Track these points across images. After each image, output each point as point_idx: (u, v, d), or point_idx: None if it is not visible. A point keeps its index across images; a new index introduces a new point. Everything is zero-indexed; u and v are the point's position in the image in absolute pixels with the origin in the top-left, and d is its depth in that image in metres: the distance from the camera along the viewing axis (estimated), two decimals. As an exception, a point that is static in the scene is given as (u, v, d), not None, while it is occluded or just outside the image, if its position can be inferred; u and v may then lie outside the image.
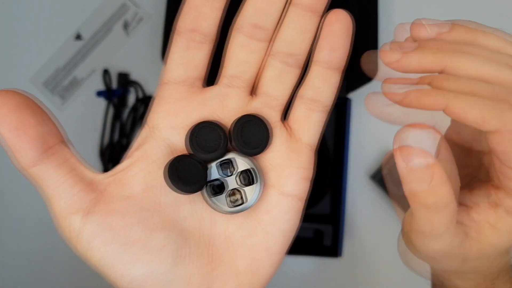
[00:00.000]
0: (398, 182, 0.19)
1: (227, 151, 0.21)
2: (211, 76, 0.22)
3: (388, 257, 0.57)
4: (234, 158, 0.21)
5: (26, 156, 0.18)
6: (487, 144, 0.19)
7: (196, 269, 0.20)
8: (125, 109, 0.57)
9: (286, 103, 0.22)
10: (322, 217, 0.55)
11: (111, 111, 0.56)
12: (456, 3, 0.58)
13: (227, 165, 0.21)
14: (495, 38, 0.19)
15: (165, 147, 0.21)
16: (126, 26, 0.57)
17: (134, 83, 0.56)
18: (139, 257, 0.19)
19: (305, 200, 0.22)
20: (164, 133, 0.21)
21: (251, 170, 0.21)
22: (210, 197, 0.21)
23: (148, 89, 0.56)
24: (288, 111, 0.22)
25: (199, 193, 0.21)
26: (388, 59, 0.20)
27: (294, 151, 0.22)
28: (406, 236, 0.24)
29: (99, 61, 0.57)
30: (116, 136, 0.56)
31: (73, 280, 0.56)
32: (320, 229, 0.54)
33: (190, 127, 0.21)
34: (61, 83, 0.57)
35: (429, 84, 0.19)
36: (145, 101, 0.56)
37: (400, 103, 0.20)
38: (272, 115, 0.22)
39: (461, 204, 0.21)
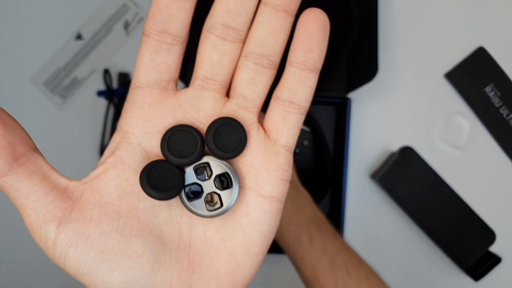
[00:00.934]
0: None
1: (203, 155, 0.21)
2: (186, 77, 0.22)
3: (388, 257, 0.57)
4: (210, 162, 0.21)
5: None
6: None
7: (176, 273, 0.20)
8: (126, 109, 0.57)
9: (261, 104, 0.22)
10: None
11: (111, 111, 0.56)
12: (456, 3, 0.58)
13: (203, 169, 0.21)
14: None
15: (140, 152, 0.21)
16: (126, 26, 0.57)
17: (135, 83, 0.56)
18: (117, 264, 0.19)
19: (283, 201, 0.22)
20: (137, 138, 0.21)
21: (227, 173, 0.21)
22: (187, 201, 0.20)
23: (149, 89, 0.56)
24: (266, 113, 0.22)
25: (177, 197, 0.21)
26: None
27: (272, 153, 0.21)
28: None
29: (99, 61, 0.57)
30: (117, 135, 0.56)
31: (73, 280, 0.56)
32: (320, 229, 0.54)
33: (164, 131, 0.20)
34: (62, 83, 0.57)
35: None
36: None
37: None
38: (248, 117, 0.21)
39: None
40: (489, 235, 0.55)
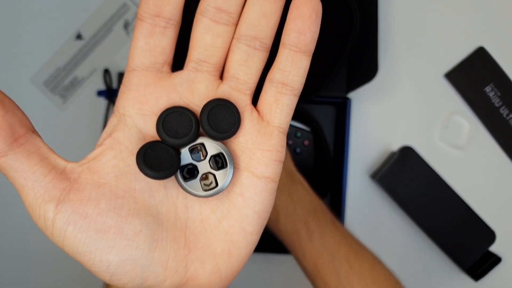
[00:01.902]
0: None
1: (198, 135, 0.21)
2: (180, 60, 0.22)
3: (388, 257, 0.57)
4: (205, 143, 0.21)
5: None
6: None
7: (172, 252, 0.21)
8: (126, 108, 0.57)
9: (255, 86, 0.22)
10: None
11: (111, 111, 0.56)
12: (456, 3, 0.58)
13: (199, 150, 0.21)
14: None
15: (136, 133, 0.21)
16: (126, 25, 0.57)
17: (135, 83, 0.56)
18: (115, 243, 0.19)
19: (277, 181, 0.22)
20: (134, 119, 0.21)
21: (222, 154, 0.21)
22: (183, 182, 0.21)
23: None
24: (259, 96, 0.23)
25: (173, 178, 0.21)
26: None
27: (265, 134, 0.22)
28: None
29: (99, 61, 0.57)
30: (117, 135, 0.56)
31: (72, 279, 0.56)
32: (320, 229, 0.54)
33: (160, 113, 0.21)
34: (62, 83, 0.57)
35: None
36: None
37: None
38: (241, 99, 0.22)
39: None
40: (489, 235, 0.55)
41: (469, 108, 0.57)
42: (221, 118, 0.21)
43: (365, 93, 0.57)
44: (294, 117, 0.56)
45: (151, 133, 0.21)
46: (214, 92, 0.22)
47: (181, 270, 0.21)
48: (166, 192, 0.21)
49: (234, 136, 0.22)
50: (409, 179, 0.55)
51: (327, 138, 0.57)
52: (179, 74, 0.22)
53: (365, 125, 0.57)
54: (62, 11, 0.57)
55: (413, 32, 0.57)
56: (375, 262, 0.42)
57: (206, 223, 0.22)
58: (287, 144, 0.56)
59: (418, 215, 0.55)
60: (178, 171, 0.21)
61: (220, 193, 0.21)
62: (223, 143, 0.22)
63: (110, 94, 0.56)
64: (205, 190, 0.21)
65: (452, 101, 0.57)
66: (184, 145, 0.21)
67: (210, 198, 0.21)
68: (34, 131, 0.20)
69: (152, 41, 0.21)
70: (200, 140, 0.21)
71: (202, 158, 0.21)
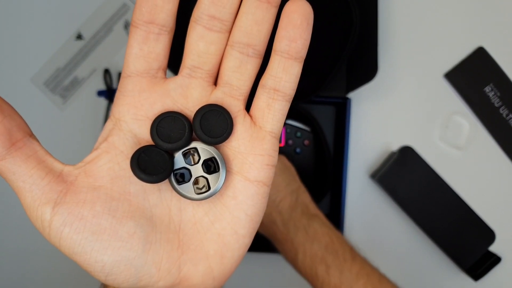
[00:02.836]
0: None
1: (191, 140, 0.22)
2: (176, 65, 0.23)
3: (388, 257, 0.57)
4: (197, 147, 0.22)
5: None
6: None
7: (166, 253, 0.21)
8: (126, 108, 0.57)
9: (248, 92, 0.23)
10: (322, 216, 0.56)
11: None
12: (456, 3, 0.58)
13: (192, 154, 0.22)
14: None
15: (131, 138, 0.21)
16: (126, 26, 0.57)
17: (135, 83, 0.56)
18: (110, 244, 0.20)
19: (270, 185, 0.23)
20: (129, 124, 0.21)
21: (215, 158, 0.22)
22: (177, 185, 0.21)
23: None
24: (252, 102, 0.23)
25: (167, 181, 0.22)
26: None
27: (257, 139, 0.22)
28: None
29: (99, 61, 0.57)
30: (117, 135, 0.56)
31: (71, 277, 0.56)
32: (320, 229, 0.54)
33: (154, 118, 0.21)
34: (62, 83, 0.57)
35: None
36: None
37: None
38: (234, 104, 0.22)
39: None
40: (489, 235, 0.55)
41: (469, 108, 0.57)
42: (214, 123, 0.21)
43: (365, 93, 0.57)
44: (294, 117, 0.56)
45: (145, 137, 0.21)
46: (208, 97, 0.22)
47: (174, 271, 0.21)
48: (160, 195, 0.22)
49: (227, 141, 0.22)
50: (408, 179, 0.55)
51: (327, 138, 0.57)
52: (173, 79, 0.22)
53: (365, 125, 0.57)
54: (62, 11, 0.57)
55: (413, 32, 0.57)
56: None
57: (199, 225, 0.22)
58: (291, 150, 0.56)
59: (418, 215, 0.55)
60: (172, 174, 0.21)
61: (213, 196, 0.22)
62: (216, 148, 0.22)
63: (110, 94, 0.56)
64: (198, 193, 0.21)
65: (452, 101, 0.57)
66: (177, 150, 0.21)
67: (203, 201, 0.22)
68: (31, 135, 0.20)
69: (146, 47, 0.21)
70: (193, 144, 0.22)
71: (195, 162, 0.22)
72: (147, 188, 0.21)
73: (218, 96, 0.22)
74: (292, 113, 0.55)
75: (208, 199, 0.22)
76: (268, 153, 0.22)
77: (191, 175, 0.21)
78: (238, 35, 0.21)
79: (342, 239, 0.45)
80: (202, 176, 0.21)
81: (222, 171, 0.21)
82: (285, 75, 0.22)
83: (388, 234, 0.57)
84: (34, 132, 0.21)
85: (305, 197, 0.48)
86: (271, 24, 0.22)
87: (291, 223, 0.45)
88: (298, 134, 0.56)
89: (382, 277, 0.43)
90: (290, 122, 0.56)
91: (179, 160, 0.21)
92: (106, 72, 0.56)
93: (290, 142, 0.56)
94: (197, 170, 0.22)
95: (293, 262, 0.45)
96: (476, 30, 0.57)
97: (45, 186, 0.20)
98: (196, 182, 0.21)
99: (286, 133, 0.56)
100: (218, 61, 0.22)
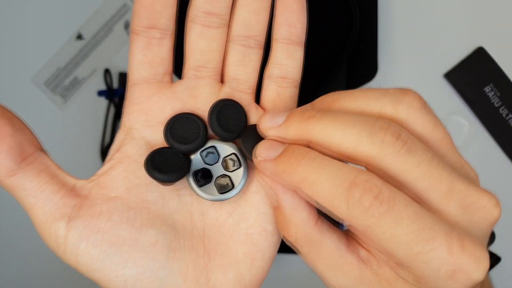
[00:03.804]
0: None
1: (207, 139, 0.21)
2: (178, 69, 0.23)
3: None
4: (215, 145, 0.21)
5: (3, 166, 0.18)
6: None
7: (192, 262, 0.20)
8: (126, 108, 0.57)
9: (255, 84, 0.22)
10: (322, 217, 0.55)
11: (112, 111, 0.56)
12: (455, 3, 0.58)
13: (210, 153, 0.21)
14: (353, 99, 0.18)
15: (144, 145, 0.21)
16: (127, 26, 0.57)
17: (135, 83, 0.56)
18: (130, 255, 0.19)
19: None
20: (140, 132, 0.21)
21: (235, 154, 0.21)
22: (197, 187, 0.20)
23: (149, 88, 0.57)
24: (260, 94, 0.23)
25: (186, 185, 0.21)
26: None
27: None
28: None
29: (100, 61, 0.57)
30: (117, 135, 0.56)
31: (70, 280, 0.56)
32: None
33: (166, 121, 0.21)
34: (62, 83, 0.57)
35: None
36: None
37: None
38: (244, 98, 0.22)
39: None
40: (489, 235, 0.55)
41: (469, 108, 0.57)
42: (229, 118, 0.21)
43: (365, 93, 0.57)
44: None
45: (158, 143, 0.21)
46: (217, 95, 0.22)
47: (202, 280, 0.20)
48: (180, 200, 0.21)
49: None
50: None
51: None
52: (180, 82, 0.21)
53: (365, 125, 0.57)
54: (62, 11, 0.57)
55: (412, 32, 0.58)
56: None
57: (224, 228, 0.21)
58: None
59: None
60: (191, 177, 0.20)
61: (238, 194, 0.21)
62: (234, 144, 0.21)
63: (110, 94, 0.56)
64: (222, 193, 0.20)
65: (452, 101, 0.57)
66: (194, 150, 0.21)
67: (225, 202, 0.21)
68: (42, 149, 0.20)
69: (149, 53, 0.21)
70: (210, 143, 0.21)
71: (214, 161, 0.21)
72: (166, 194, 0.21)
73: (227, 92, 0.21)
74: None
75: (231, 199, 0.21)
76: None
77: (212, 175, 0.21)
78: (238, 28, 0.21)
79: None
80: (224, 175, 0.21)
81: (244, 167, 0.21)
82: (289, 61, 0.22)
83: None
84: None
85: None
86: (268, 13, 0.22)
87: None
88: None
89: None
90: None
91: (197, 161, 0.21)
92: (107, 72, 0.56)
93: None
94: (218, 169, 0.21)
95: None
96: (476, 30, 0.57)
97: (58, 201, 0.19)
98: (218, 181, 0.21)
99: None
100: (221, 58, 0.22)
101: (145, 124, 0.21)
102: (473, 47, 0.57)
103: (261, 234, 0.21)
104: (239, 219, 0.21)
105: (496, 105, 0.57)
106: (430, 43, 0.57)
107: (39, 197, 0.19)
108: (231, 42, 0.21)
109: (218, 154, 0.21)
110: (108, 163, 0.21)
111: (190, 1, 0.21)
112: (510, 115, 0.57)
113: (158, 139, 0.21)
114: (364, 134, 0.16)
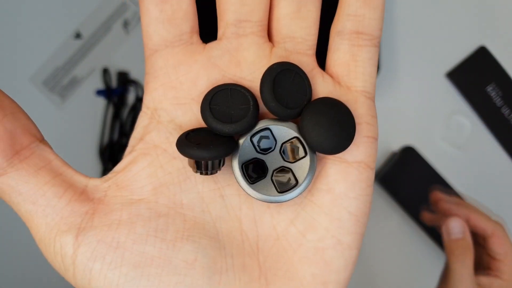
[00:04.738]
0: None
1: (258, 118, 0.16)
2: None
3: (389, 257, 0.57)
4: (270, 127, 0.15)
5: None
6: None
7: (244, 286, 0.15)
8: (125, 108, 0.56)
9: (315, 44, 0.17)
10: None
11: (110, 110, 0.56)
12: (457, 2, 0.58)
13: (264, 138, 0.15)
14: None
15: (174, 130, 0.16)
16: (126, 25, 0.57)
17: (134, 82, 0.56)
18: (161, 280, 0.14)
19: (374, 168, 0.17)
20: (169, 113, 0.16)
21: (298, 138, 0.15)
22: (248, 185, 0.15)
23: (148, 88, 0.56)
24: (327, 57, 0.17)
25: (232, 183, 0.16)
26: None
27: (348, 104, 0.16)
28: None
29: (98, 60, 0.57)
30: (116, 135, 0.56)
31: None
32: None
33: (203, 96, 0.15)
34: (61, 82, 0.57)
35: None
36: (145, 100, 0.56)
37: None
38: (305, 62, 0.16)
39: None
40: (491, 236, 0.55)
41: (471, 107, 0.57)
42: (288, 89, 0.15)
43: (366, 92, 0.56)
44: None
45: (194, 125, 0.16)
46: (268, 58, 0.16)
47: None
48: (225, 202, 0.16)
49: None
50: (410, 180, 0.54)
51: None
52: (215, 44, 0.16)
53: (366, 125, 0.57)
54: (61, 10, 0.57)
55: (414, 31, 0.57)
56: None
57: (284, 240, 0.16)
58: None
59: (419, 215, 0.55)
60: (240, 170, 0.15)
61: (303, 192, 0.16)
62: (295, 124, 0.16)
63: (109, 93, 0.56)
64: (281, 192, 0.15)
65: (454, 100, 0.57)
66: (242, 133, 0.15)
67: (286, 204, 0.16)
68: (42, 140, 0.15)
69: (168, 6, 0.15)
70: (262, 123, 0.15)
71: (269, 149, 0.16)
72: (206, 196, 0.15)
73: (280, 55, 0.16)
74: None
75: (292, 200, 0.16)
76: (365, 121, 0.17)
77: (267, 168, 0.15)
78: None
79: None
80: (283, 167, 0.15)
81: (310, 155, 0.15)
82: (367, 10, 0.16)
83: (389, 235, 0.57)
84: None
85: None
86: None
87: None
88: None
89: None
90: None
91: (246, 148, 0.15)
92: (105, 71, 0.56)
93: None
94: (275, 159, 0.15)
95: None
96: (478, 29, 0.57)
97: (64, 207, 0.14)
98: (276, 176, 0.15)
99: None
100: (267, 8, 0.16)
101: (174, 102, 0.16)
102: (475, 46, 0.57)
103: (335, 248, 0.16)
104: (304, 228, 0.16)
105: (498, 105, 0.56)
106: (432, 42, 0.57)
107: (38, 202, 0.14)
108: None
109: (275, 139, 0.15)
110: (128, 156, 0.16)
111: None
112: (512, 115, 0.56)
113: (193, 121, 0.16)
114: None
